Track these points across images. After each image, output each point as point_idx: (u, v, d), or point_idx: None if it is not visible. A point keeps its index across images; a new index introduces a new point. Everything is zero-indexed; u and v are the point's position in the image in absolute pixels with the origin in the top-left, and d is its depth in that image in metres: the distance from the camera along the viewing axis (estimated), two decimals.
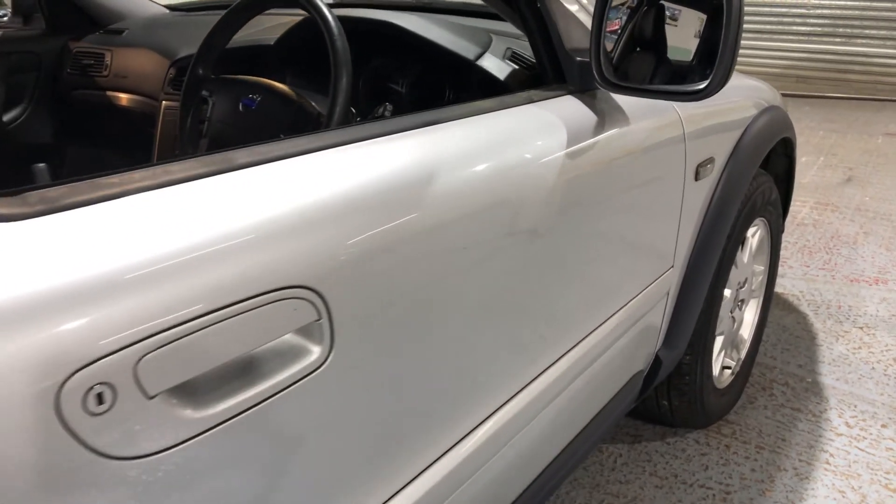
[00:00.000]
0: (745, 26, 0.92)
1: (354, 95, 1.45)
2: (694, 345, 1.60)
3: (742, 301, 1.90)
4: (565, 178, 0.92)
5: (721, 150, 1.43)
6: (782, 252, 3.04)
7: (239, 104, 1.17)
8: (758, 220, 1.83)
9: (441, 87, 1.25)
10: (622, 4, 1.12)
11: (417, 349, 0.72)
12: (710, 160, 1.38)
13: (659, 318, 1.39)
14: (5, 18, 1.98)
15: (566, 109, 1.00)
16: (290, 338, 0.58)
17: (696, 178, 1.34)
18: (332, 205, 0.62)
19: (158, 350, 0.48)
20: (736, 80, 1.61)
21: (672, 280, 1.38)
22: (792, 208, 3.68)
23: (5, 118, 1.85)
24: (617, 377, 1.30)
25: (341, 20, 1.38)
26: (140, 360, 0.47)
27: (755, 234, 1.87)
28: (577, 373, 1.09)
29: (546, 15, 1.02)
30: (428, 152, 0.76)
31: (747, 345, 2.01)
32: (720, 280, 1.59)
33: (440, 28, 1.25)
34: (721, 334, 1.81)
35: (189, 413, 0.51)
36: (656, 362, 1.46)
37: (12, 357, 0.41)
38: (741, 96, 1.57)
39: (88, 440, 0.45)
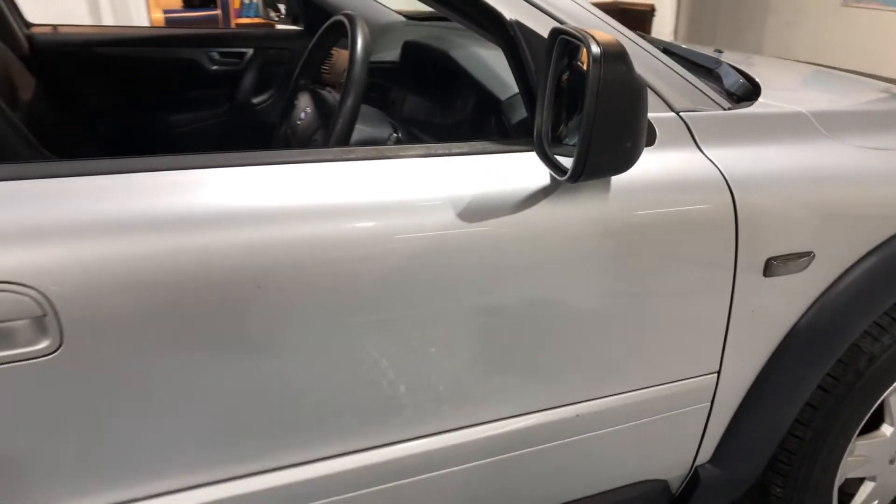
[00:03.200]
0: None
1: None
2: (788, 476, 1.29)
3: None
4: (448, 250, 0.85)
5: (837, 244, 1.11)
6: None
7: (300, 115, 1.31)
8: None
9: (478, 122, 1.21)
10: None
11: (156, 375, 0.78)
12: (805, 255, 1.08)
13: (695, 426, 1.16)
14: (280, 18, 2.41)
15: (502, 170, 0.91)
16: (13, 323, 0.70)
17: (767, 274, 1.07)
18: (91, 224, 0.72)
19: None
20: None
21: (718, 388, 1.13)
22: None
23: (255, 100, 2.28)
24: (606, 470, 1.13)
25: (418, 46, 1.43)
26: None
27: None
28: (511, 443, 1.01)
29: (520, 47, 0.93)
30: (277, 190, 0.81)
31: None
32: (839, 413, 1.24)
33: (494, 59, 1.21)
34: (871, 479, 1.40)
35: None
36: (693, 478, 1.21)
37: None
38: None
39: None
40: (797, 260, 1.08)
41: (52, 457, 0.77)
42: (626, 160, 0.79)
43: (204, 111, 2.26)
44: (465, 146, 0.92)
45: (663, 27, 5.57)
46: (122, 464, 0.80)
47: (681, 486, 1.23)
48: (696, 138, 1.04)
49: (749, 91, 1.25)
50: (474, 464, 1.00)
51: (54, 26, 2.09)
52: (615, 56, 0.72)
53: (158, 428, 0.80)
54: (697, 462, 1.21)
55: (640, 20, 5.07)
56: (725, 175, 1.02)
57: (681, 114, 1.04)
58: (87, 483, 0.79)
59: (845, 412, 1.26)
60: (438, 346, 0.90)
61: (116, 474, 0.80)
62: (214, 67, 2.22)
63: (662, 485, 1.20)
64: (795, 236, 1.07)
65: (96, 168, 0.77)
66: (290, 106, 1.42)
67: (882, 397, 1.30)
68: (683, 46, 1.59)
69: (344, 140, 1.12)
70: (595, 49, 0.72)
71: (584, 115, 0.74)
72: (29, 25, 2.06)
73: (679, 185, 0.99)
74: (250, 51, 2.26)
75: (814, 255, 1.09)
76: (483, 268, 0.89)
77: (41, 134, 1.70)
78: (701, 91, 1.07)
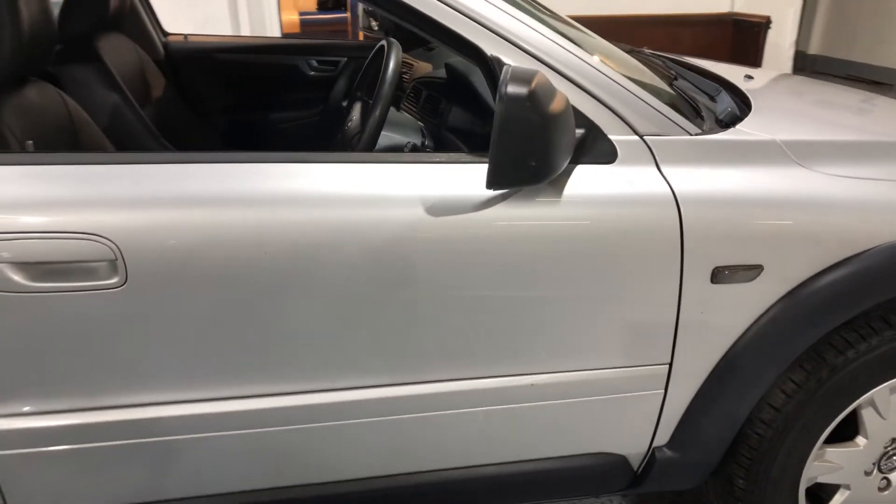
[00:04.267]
0: None
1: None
2: (749, 470, 1.41)
3: None
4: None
5: (789, 261, 1.23)
6: None
7: (349, 122, 1.58)
8: None
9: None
10: None
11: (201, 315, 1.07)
12: (754, 268, 1.22)
13: (649, 409, 1.32)
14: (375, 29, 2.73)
15: (473, 178, 1.13)
16: (94, 267, 1.02)
17: (714, 281, 1.22)
18: (158, 199, 1.03)
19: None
20: None
21: (670, 378, 1.29)
22: None
23: (344, 104, 2.60)
24: (562, 435, 1.32)
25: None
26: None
27: None
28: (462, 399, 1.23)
29: (497, 77, 1.13)
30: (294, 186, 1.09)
31: None
32: (799, 416, 1.36)
33: None
34: (846, 488, 1.50)
35: (20, 279, 1.01)
36: (651, 458, 1.38)
37: None
38: None
39: None
40: (745, 271, 1.22)
41: (112, 361, 1.08)
42: (535, 175, 1.00)
43: (301, 111, 2.61)
44: (444, 156, 1.15)
45: (782, 38, 5.42)
46: (161, 370, 1.11)
47: (641, 464, 1.40)
48: (658, 159, 1.21)
49: (736, 118, 1.39)
50: (453, 412, 1.23)
51: (185, 36, 2.50)
52: (515, 98, 0.93)
53: (191, 347, 1.10)
54: (655, 444, 1.37)
55: (753, 33, 5.00)
56: (675, 192, 1.18)
57: (644, 137, 1.21)
58: (138, 382, 1.10)
59: (806, 417, 1.37)
60: (412, 317, 1.14)
61: (156, 378, 1.11)
62: (312, 73, 2.56)
63: (621, 459, 1.37)
64: (744, 249, 1.21)
65: (176, 158, 1.08)
66: (347, 113, 1.70)
67: (851, 408, 1.40)
68: (696, 72, 1.73)
69: (370, 144, 1.38)
70: (501, 89, 0.93)
71: (491, 137, 0.95)
72: (166, 34, 2.48)
73: (629, 198, 1.17)
74: (344, 59, 2.58)
75: (763, 269, 1.23)
76: (448, 257, 1.11)
77: (166, 126, 2.09)
78: (668, 118, 1.23)
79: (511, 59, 1.15)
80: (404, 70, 2.50)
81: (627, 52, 1.80)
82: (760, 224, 1.21)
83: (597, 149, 1.18)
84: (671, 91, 1.47)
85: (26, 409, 1.09)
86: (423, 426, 1.23)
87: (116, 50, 2.05)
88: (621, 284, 1.20)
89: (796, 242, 1.23)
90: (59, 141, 1.46)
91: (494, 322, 1.17)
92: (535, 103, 0.93)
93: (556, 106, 0.97)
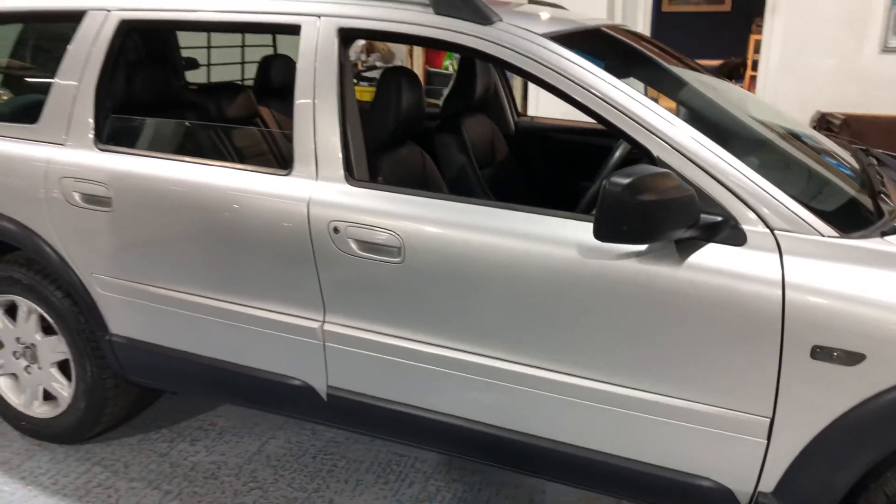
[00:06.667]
0: None
1: None
2: None
3: None
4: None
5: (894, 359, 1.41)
6: None
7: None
8: None
9: None
10: None
11: (455, 292, 1.76)
12: (856, 355, 1.43)
13: (753, 454, 1.58)
14: None
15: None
16: (390, 249, 1.80)
17: (814, 357, 1.47)
18: (434, 220, 1.77)
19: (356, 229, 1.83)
20: None
21: (773, 431, 1.54)
22: None
23: None
24: (673, 450, 1.67)
25: None
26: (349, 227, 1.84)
27: None
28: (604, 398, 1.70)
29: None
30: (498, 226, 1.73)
31: None
32: None
33: None
34: None
35: (355, 248, 1.84)
36: (757, 501, 1.62)
37: None
38: None
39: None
40: (846, 356, 1.44)
41: (393, 307, 1.85)
42: (627, 237, 1.43)
43: None
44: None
45: None
46: (421, 318, 1.83)
47: (748, 503, 1.65)
48: (782, 250, 1.52)
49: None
50: (593, 404, 1.72)
51: (531, 117, 3.32)
52: (614, 184, 1.40)
53: (439, 309, 1.80)
54: (761, 488, 1.61)
55: None
56: (786, 278, 1.48)
57: (775, 231, 1.53)
58: (407, 323, 1.86)
59: None
60: (562, 324, 1.68)
61: (417, 322, 1.84)
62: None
63: (728, 492, 1.64)
64: (845, 337, 1.43)
65: (458, 199, 1.80)
66: None
67: None
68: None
69: (585, 209, 1.94)
70: (609, 176, 1.42)
71: (597, 204, 1.45)
72: (520, 115, 3.33)
73: (742, 275, 1.51)
74: None
75: (865, 357, 1.43)
76: (586, 291, 1.62)
77: (499, 182, 2.90)
78: (803, 220, 1.52)
79: (672, 161, 1.61)
80: None
81: (858, 156, 2.00)
82: (868, 319, 1.42)
83: (728, 233, 1.55)
84: (850, 196, 1.72)
85: (348, 322, 1.92)
86: (566, 407, 1.74)
87: (475, 125, 2.93)
88: (727, 341, 1.54)
89: None
90: (411, 181, 2.33)
91: (611, 342, 1.64)
92: (632, 191, 1.41)
93: (655, 196, 1.42)
